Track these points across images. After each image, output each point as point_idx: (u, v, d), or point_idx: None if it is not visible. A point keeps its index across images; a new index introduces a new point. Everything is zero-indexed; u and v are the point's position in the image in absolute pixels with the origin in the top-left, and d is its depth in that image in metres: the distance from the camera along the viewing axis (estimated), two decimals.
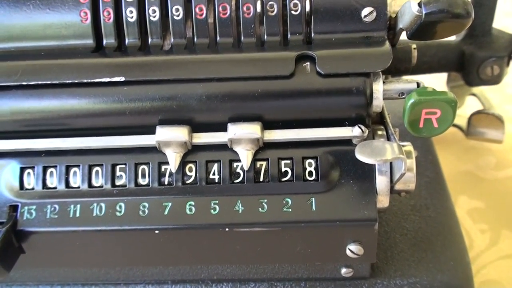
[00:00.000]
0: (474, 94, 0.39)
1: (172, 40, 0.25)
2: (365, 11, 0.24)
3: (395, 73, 0.27)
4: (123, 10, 0.25)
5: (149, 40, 0.25)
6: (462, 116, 0.38)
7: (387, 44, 0.24)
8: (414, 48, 0.27)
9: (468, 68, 0.33)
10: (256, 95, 0.23)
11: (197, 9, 0.25)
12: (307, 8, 0.24)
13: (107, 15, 0.25)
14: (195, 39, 0.25)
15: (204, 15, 0.25)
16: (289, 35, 0.25)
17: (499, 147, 0.39)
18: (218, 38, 0.25)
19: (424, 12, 0.22)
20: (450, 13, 0.22)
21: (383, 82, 0.24)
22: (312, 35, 0.24)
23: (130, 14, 0.25)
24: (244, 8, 0.25)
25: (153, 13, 0.25)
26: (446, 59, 0.34)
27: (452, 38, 0.36)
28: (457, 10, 0.22)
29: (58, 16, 0.25)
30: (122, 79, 0.24)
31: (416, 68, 0.29)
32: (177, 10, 0.25)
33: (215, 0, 0.25)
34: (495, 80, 0.34)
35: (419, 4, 0.23)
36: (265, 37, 0.25)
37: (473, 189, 0.37)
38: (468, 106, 0.41)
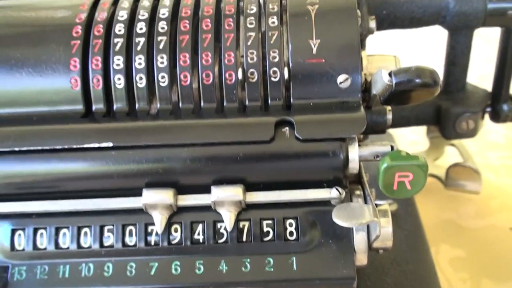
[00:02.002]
0: (453, 145, 0.40)
1: (158, 105, 0.26)
2: (341, 78, 0.25)
3: (372, 133, 0.29)
4: (112, 77, 0.26)
5: (137, 105, 0.26)
6: (441, 166, 0.39)
7: (362, 109, 0.25)
8: (389, 110, 0.28)
9: (445, 122, 0.35)
10: (238, 159, 0.25)
11: (182, 76, 0.26)
12: (286, 75, 0.26)
13: (96, 82, 0.26)
14: (180, 104, 0.26)
15: (188, 82, 0.26)
16: (269, 100, 0.26)
17: (479, 196, 0.40)
18: (202, 103, 0.26)
19: (394, 82, 0.24)
20: (418, 83, 0.24)
21: (359, 145, 0.25)
22: (291, 100, 0.26)
23: (118, 81, 0.26)
24: (227, 75, 0.26)
25: (140, 80, 0.26)
26: (423, 114, 0.36)
27: None
28: (425, 80, 0.24)
29: (49, 83, 0.26)
30: (110, 144, 0.25)
31: (395, 123, 0.31)
32: (163, 77, 0.26)
33: (199, 67, 0.26)
34: (471, 133, 0.35)
35: (390, 74, 0.24)
36: (247, 102, 0.26)
37: (454, 238, 0.38)
38: (449, 154, 0.42)
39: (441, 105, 0.35)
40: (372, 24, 0.31)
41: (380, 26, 0.33)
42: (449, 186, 0.37)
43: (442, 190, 0.39)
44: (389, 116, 0.28)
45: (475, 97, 0.35)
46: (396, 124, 0.35)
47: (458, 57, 0.34)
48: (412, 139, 0.47)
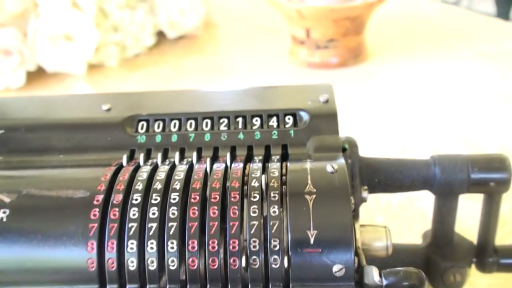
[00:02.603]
0: None
1: (167, 286, 0.29)
2: (335, 267, 0.28)
3: None
4: (126, 259, 0.29)
5: (147, 286, 0.29)
6: None
7: None
8: None
9: (433, 274, 0.37)
10: None
11: (190, 261, 0.29)
12: (286, 264, 0.28)
13: (111, 264, 0.29)
14: (188, 286, 0.29)
15: (196, 266, 0.29)
16: (270, 285, 0.28)
17: None
18: (208, 286, 0.29)
19: (384, 284, 0.26)
20: (406, 286, 0.26)
21: None
22: (291, 286, 0.28)
23: (131, 263, 0.29)
24: (231, 261, 0.28)
25: (152, 263, 0.29)
26: (413, 263, 0.38)
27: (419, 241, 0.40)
28: (412, 282, 0.26)
29: (68, 263, 0.29)
30: None
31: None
32: (173, 261, 0.29)
33: (206, 253, 0.29)
34: (458, 285, 0.37)
35: (380, 275, 0.27)
36: (250, 286, 0.28)
37: None
38: None
39: (431, 258, 0.37)
40: (365, 194, 0.34)
41: (372, 191, 0.35)
42: None
43: None
44: None
45: (461, 251, 0.37)
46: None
47: (444, 217, 0.36)
48: None
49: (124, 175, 0.31)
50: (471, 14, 1.14)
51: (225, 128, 0.35)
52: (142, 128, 0.36)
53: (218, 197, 0.30)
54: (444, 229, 0.37)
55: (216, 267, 0.29)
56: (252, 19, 1.16)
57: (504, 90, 0.82)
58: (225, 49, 1.06)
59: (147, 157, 0.34)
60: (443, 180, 0.34)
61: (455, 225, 0.37)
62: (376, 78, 0.89)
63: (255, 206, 0.29)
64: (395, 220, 0.58)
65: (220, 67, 0.97)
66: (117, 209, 0.29)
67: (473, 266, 0.39)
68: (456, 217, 0.37)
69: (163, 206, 0.30)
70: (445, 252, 0.37)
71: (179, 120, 0.36)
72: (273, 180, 0.30)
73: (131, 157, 0.34)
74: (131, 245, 0.29)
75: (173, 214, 0.29)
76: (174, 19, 1.02)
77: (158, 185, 0.30)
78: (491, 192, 0.35)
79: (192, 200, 0.30)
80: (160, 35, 1.05)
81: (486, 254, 0.38)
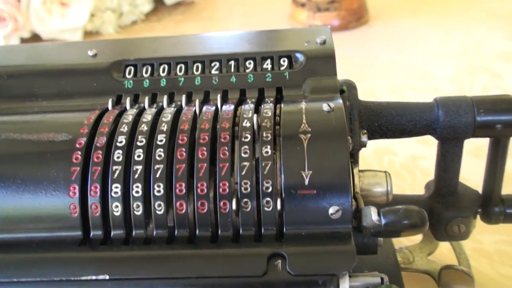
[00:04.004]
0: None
1: (154, 232, 0.27)
2: (332, 209, 0.26)
3: (363, 254, 0.29)
4: (110, 204, 0.27)
5: (133, 232, 0.27)
6: (435, 262, 0.39)
7: (352, 242, 0.26)
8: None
9: (436, 225, 0.36)
10: None
11: (178, 204, 0.27)
12: (279, 206, 0.26)
13: (94, 209, 0.27)
14: (176, 231, 0.27)
15: (184, 210, 0.27)
16: (262, 230, 0.27)
17: None
18: (197, 231, 0.27)
19: (383, 223, 0.25)
20: (407, 224, 0.24)
21: (350, 276, 0.26)
22: (284, 229, 0.26)
23: (116, 208, 0.27)
24: (221, 204, 0.27)
25: (137, 208, 0.27)
26: None
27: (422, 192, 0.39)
28: (413, 221, 0.24)
29: (49, 209, 0.27)
30: (107, 277, 0.25)
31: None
32: (160, 205, 0.27)
33: (194, 196, 0.27)
34: (462, 236, 0.36)
35: (379, 213, 0.25)
36: (241, 230, 0.27)
37: None
38: (443, 247, 0.43)
39: (433, 208, 0.36)
40: (364, 138, 0.32)
41: (372, 137, 0.33)
42: (442, 287, 0.38)
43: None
44: (380, 242, 0.29)
45: (466, 200, 0.36)
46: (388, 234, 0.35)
47: (448, 164, 0.34)
48: None
49: (108, 118, 0.29)
50: None
51: (217, 72, 0.33)
52: (129, 73, 0.34)
53: (207, 138, 0.28)
54: (448, 177, 0.35)
55: (205, 211, 0.27)
56: None
57: (510, 50, 0.79)
58: (223, 14, 1.03)
59: (135, 101, 0.32)
60: (447, 123, 0.32)
61: (459, 173, 0.35)
62: (379, 39, 0.86)
63: (246, 147, 0.28)
64: (398, 179, 0.56)
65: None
66: (100, 152, 0.28)
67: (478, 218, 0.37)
68: (460, 164, 0.35)
69: (149, 148, 0.28)
70: (448, 202, 0.36)
71: (169, 64, 0.34)
72: (265, 120, 0.28)
73: (117, 102, 0.32)
74: (116, 189, 0.27)
75: (160, 156, 0.28)
76: None
77: (144, 127, 0.29)
78: (498, 136, 0.33)
79: (180, 142, 0.28)
80: (158, 1, 1.03)
81: (491, 204, 0.36)
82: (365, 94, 0.35)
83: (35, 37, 0.91)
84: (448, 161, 0.34)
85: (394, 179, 0.56)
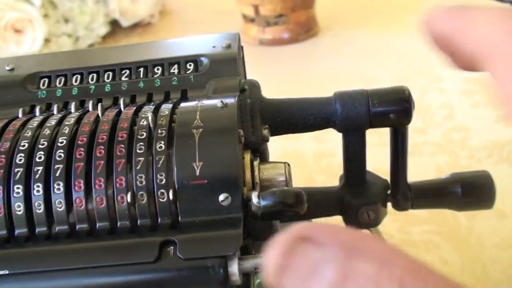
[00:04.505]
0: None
1: (56, 228, 0.28)
2: (222, 196, 0.28)
3: (262, 239, 0.31)
4: (12, 204, 0.28)
5: (36, 230, 0.29)
6: None
7: (240, 226, 0.27)
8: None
9: (347, 214, 0.37)
10: (126, 279, 0.27)
11: (77, 201, 0.28)
12: (172, 196, 0.28)
13: None
14: (77, 226, 0.28)
15: (83, 206, 0.28)
16: (159, 220, 0.28)
17: None
18: (97, 224, 0.28)
19: (262, 204, 0.26)
20: (284, 204, 0.26)
21: (240, 258, 0.27)
22: (179, 218, 0.28)
23: (18, 208, 0.28)
24: (118, 198, 0.28)
25: (39, 206, 0.28)
26: (328, 205, 0.38)
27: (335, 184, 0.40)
28: (288, 201, 0.26)
29: None
30: (6, 272, 0.27)
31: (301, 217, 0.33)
32: (60, 202, 0.28)
33: (93, 192, 0.28)
34: (373, 223, 0.37)
35: (258, 196, 0.27)
36: (138, 221, 0.28)
37: None
38: None
39: (344, 197, 0.37)
40: (266, 132, 0.34)
41: (276, 132, 0.35)
42: None
43: None
44: (276, 227, 0.30)
45: (373, 189, 0.37)
46: (302, 216, 0.37)
47: (353, 154, 0.36)
48: None
49: (14, 125, 0.31)
50: None
51: (126, 79, 0.35)
52: (43, 85, 0.35)
53: (105, 137, 0.29)
54: (355, 167, 0.37)
55: (103, 205, 0.28)
56: (208, 4, 1.16)
57: None
58: (179, 34, 1.05)
59: (47, 110, 0.34)
60: (345, 115, 0.34)
61: (365, 163, 0.37)
62: (328, 51, 0.89)
63: (142, 143, 0.29)
64: (335, 179, 0.58)
65: None
66: (4, 156, 0.29)
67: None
68: (365, 154, 0.37)
69: (50, 150, 0.29)
70: (357, 191, 0.37)
71: (81, 74, 0.36)
72: (162, 119, 0.30)
73: (30, 112, 0.34)
74: (17, 190, 0.29)
75: (60, 156, 0.29)
76: (126, 7, 1.02)
77: (46, 131, 0.30)
78: (395, 125, 0.35)
79: (79, 142, 0.29)
80: (114, 24, 1.05)
81: (399, 191, 0.38)
82: None
83: None
84: (352, 151, 0.36)
85: (332, 180, 0.58)
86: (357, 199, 0.37)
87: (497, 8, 0.20)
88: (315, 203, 0.38)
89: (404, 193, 0.38)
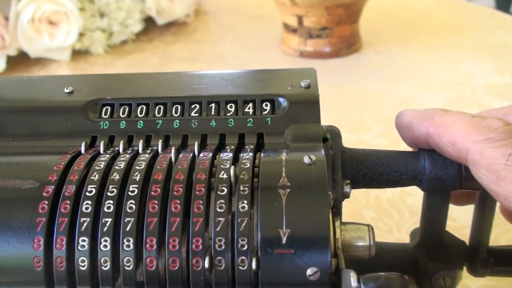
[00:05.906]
0: None
1: None
2: (310, 271, 0.25)
3: None
4: (76, 258, 0.26)
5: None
6: None
7: None
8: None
9: (421, 277, 0.34)
10: None
11: (147, 261, 0.26)
12: (254, 266, 0.25)
13: (59, 263, 0.26)
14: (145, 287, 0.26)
15: (154, 267, 0.26)
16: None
17: None
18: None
19: None
20: None
21: None
22: None
23: (82, 263, 0.26)
24: (194, 261, 0.25)
25: (105, 263, 0.26)
26: (400, 265, 0.35)
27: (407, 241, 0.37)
28: None
29: (11, 261, 0.26)
30: None
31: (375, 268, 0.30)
32: (128, 261, 0.26)
33: (166, 252, 0.26)
34: None
35: (358, 280, 0.24)
36: None
37: None
38: None
39: (418, 258, 0.34)
40: (347, 189, 0.31)
41: (357, 186, 0.32)
42: None
43: None
44: None
45: (452, 252, 0.35)
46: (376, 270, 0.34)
47: (434, 215, 0.33)
48: None
49: (79, 165, 0.28)
50: (469, 5, 1.11)
51: (196, 115, 0.32)
52: (106, 114, 0.33)
53: (181, 190, 0.27)
54: (434, 229, 0.34)
55: (176, 268, 0.25)
56: (244, 7, 1.12)
57: (500, 83, 0.79)
58: (215, 37, 1.02)
59: (109, 144, 0.31)
60: (434, 175, 0.31)
61: (445, 224, 0.34)
62: (370, 68, 0.86)
63: (222, 201, 0.26)
64: (385, 216, 0.55)
65: (209, 55, 0.94)
66: (68, 202, 0.26)
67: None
68: (447, 215, 0.34)
69: (120, 199, 0.26)
70: (434, 253, 0.34)
71: (147, 105, 0.33)
72: (243, 172, 0.27)
73: (91, 145, 0.31)
74: (82, 243, 0.26)
75: (131, 208, 0.26)
76: (163, 6, 0.99)
77: (116, 176, 0.27)
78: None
79: (153, 193, 0.27)
80: (149, 21, 1.02)
81: (478, 257, 0.35)
82: (353, 125, 0.34)
83: (22, 55, 0.89)
84: (434, 212, 0.33)
85: (381, 216, 0.55)
86: (434, 262, 0.34)
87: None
88: (387, 260, 0.35)
89: (484, 259, 0.35)
